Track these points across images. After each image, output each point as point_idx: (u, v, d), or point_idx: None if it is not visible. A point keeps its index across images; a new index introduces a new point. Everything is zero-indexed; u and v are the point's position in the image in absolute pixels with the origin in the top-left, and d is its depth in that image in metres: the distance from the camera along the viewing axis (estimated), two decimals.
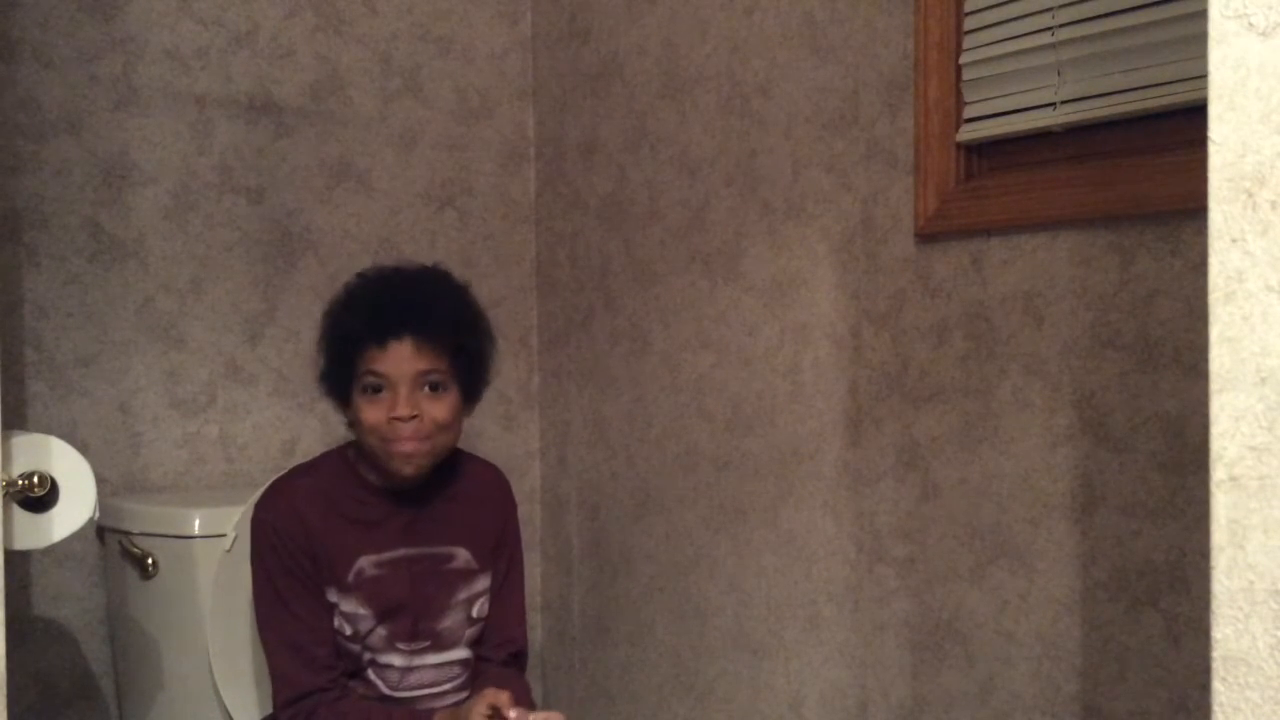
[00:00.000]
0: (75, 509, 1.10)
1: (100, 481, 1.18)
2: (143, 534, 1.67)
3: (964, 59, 1.48)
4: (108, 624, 1.79)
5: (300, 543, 1.44)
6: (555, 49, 2.17)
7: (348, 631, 1.45)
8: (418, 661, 1.49)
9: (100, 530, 1.74)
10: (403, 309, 1.42)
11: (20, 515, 1.07)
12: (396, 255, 2.06)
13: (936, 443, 1.53)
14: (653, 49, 1.95)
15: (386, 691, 1.48)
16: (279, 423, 1.95)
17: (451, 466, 1.54)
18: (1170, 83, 1.29)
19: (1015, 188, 1.44)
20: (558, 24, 2.16)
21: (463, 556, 1.53)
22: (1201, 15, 0.66)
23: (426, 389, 1.42)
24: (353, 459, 1.50)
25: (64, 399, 1.76)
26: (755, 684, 1.80)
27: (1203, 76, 0.66)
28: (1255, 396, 0.63)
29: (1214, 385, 0.65)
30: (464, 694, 1.51)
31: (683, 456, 1.91)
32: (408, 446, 1.42)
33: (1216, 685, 0.65)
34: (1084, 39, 1.36)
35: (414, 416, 1.41)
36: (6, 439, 1.06)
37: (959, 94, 1.50)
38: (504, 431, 2.19)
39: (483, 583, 1.54)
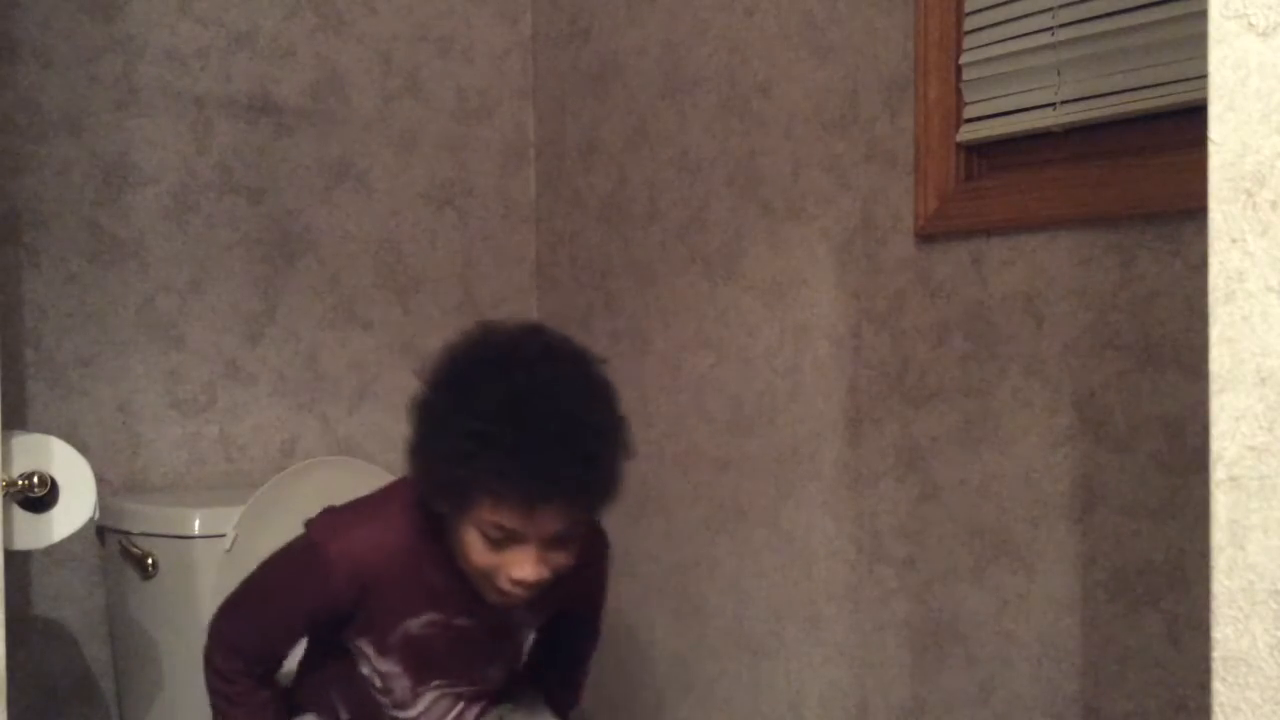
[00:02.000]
0: (75, 509, 1.10)
1: (100, 481, 1.18)
2: (143, 534, 1.67)
3: (964, 59, 1.48)
4: (108, 624, 1.79)
5: (343, 603, 1.26)
6: (555, 49, 2.17)
7: (377, 684, 1.32)
8: (446, 694, 1.36)
9: (100, 530, 1.74)
10: (562, 467, 1.12)
11: (20, 515, 1.07)
12: (396, 255, 2.06)
13: (936, 443, 1.53)
14: (653, 49, 1.95)
15: (391, 712, 1.35)
16: (279, 423, 1.95)
17: None
18: (1170, 83, 1.29)
19: (1015, 188, 1.44)
20: (558, 24, 2.16)
21: (529, 625, 1.38)
22: (1201, 15, 0.66)
23: (557, 538, 1.18)
24: (435, 533, 1.24)
25: (64, 399, 1.76)
26: (755, 684, 1.80)
27: (1203, 76, 0.66)
28: (1255, 396, 0.63)
29: (1214, 385, 0.65)
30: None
31: (683, 456, 1.91)
32: (515, 598, 1.21)
33: (1216, 685, 0.65)
34: (1084, 39, 1.36)
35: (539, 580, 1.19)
36: (6, 439, 1.06)
37: (959, 94, 1.49)
38: None
39: (531, 628, 1.39)
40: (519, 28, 2.21)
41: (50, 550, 1.73)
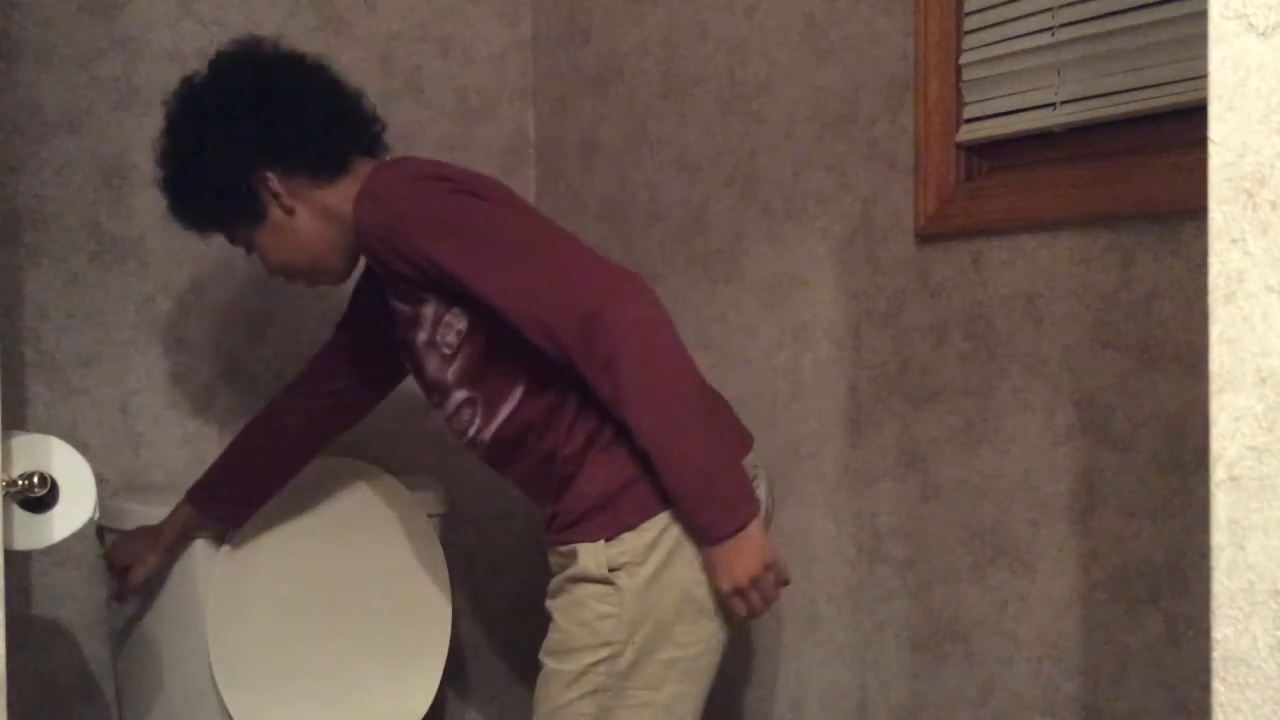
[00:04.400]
0: (75, 509, 1.10)
1: (100, 481, 1.18)
2: None
3: (964, 59, 1.48)
4: (108, 624, 1.79)
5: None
6: (555, 49, 2.17)
7: None
8: (449, 405, 1.42)
9: (100, 530, 1.74)
10: (162, 187, 1.53)
11: (20, 515, 1.06)
12: None
13: (936, 443, 1.53)
14: (653, 49, 1.95)
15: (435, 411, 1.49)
16: None
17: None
18: (1170, 83, 1.29)
19: (1015, 188, 1.44)
20: (558, 24, 2.16)
21: (402, 305, 1.41)
22: (1201, 15, 0.66)
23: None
24: None
25: (64, 399, 1.76)
26: (755, 684, 1.80)
27: (1203, 76, 0.66)
28: (1255, 396, 0.63)
29: (1214, 385, 0.65)
30: (490, 429, 1.40)
31: None
32: (289, 280, 1.53)
33: (1216, 685, 0.65)
34: (1084, 39, 1.36)
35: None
36: (6, 439, 1.06)
37: (959, 94, 1.49)
38: None
39: (427, 315, 1.38)
40: (519, 28, 2.21)
41: (50, 550, 1.73)
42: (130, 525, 1.67)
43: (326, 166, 1.42)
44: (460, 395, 1.40)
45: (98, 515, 1.16)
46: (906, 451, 1.57)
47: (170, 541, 1.62)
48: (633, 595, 1.29)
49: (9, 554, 1.03)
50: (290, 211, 1.43)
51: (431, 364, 1.40)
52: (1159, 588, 1.31)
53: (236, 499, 1.63)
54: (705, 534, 1.27)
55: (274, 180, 1.42)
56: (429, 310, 1.37)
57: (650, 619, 1.29)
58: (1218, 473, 0.65)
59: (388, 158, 1.48)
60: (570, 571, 1.33)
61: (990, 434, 1.47)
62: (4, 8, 1.71)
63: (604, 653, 1.29)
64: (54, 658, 1.78)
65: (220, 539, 1.65)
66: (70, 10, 1.77)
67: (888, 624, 1.60)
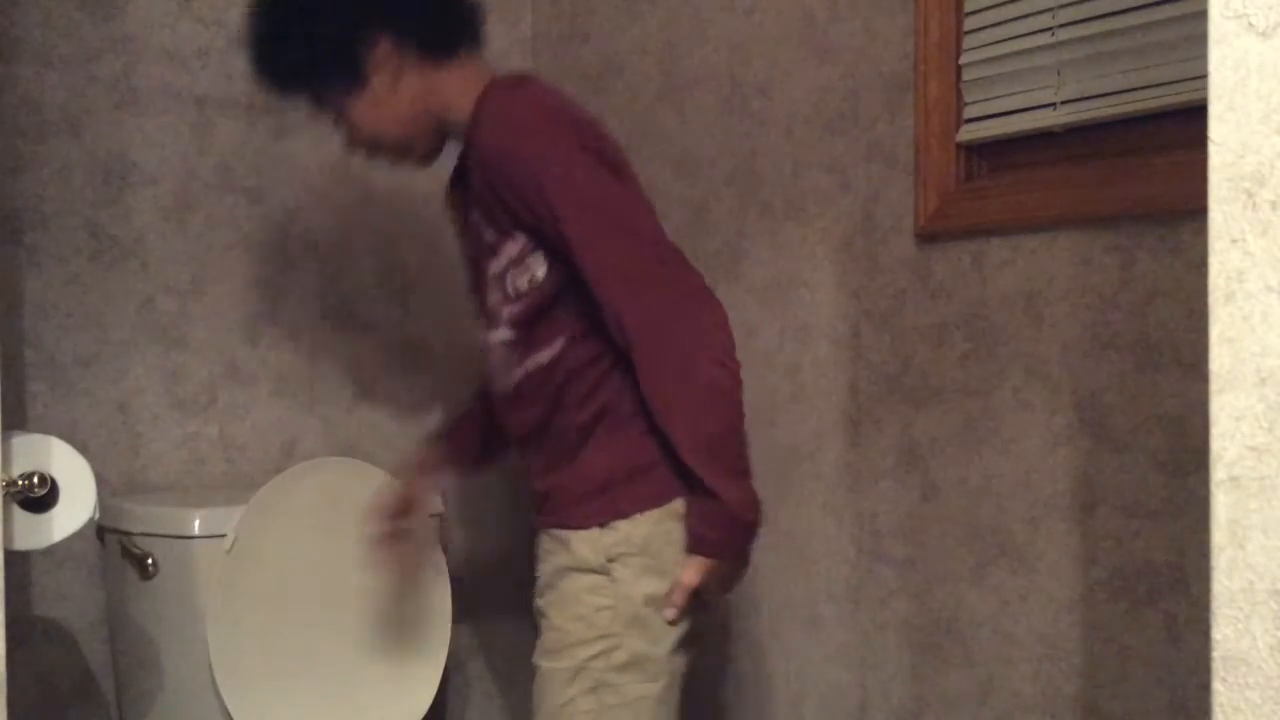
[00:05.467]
0: (75, 509, 1.10)
1: (100, 481, 1.18)
2: (143, 534, 1.66)
3: (964, 59, 1.48)
4: (108, 624, 1.79)
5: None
6: (555, 49, 2.17)
7: None
8: (491, 338, 1.41)
9: (100, 530, 1.74)
10: (249, 49, 1.42)
11: (20, 515, 1.06)
12: (397, 256, 2.06)
13: (936, 443, 1.53)
14: (653, 49, 1.95)
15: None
16: (279, 423, 1.95)
17: (468, 138, 1.38)
18: (1170, 83, 1.29)
19: (1015, 188, 1.44)
20: (558, 24, 2.16)
21: (487, 229, 1.37)
22: (1201, 15, 0.66)
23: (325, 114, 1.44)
24: None
25: (64, 399, 1.76)
26: (755, 684, 1.80)
27: (1203, 76, 0.66)
28: (1255, 396, 0.63)
29: (1214, 385, 0.65)
30: (519, 372, 1.37)
31: None
32: (375, 160, 1.47)
33: (1216, 685, 0.65)
34: (1084, 39, 1.36)
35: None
36: (6, 439, 1.06)
37: (959, 94, 1.50)
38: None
39: (509, 251, 1.34)
40: (519, 28, 2.21)
41: (50, 550, 1.73)
42: (130, 525, 1.67)
43: (441, 45, 1.37)
44: (506, 334, 1.38)
45: (98, 515, 1.16)
46: (906, 451, 1.57)
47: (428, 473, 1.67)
48: (627, 586, 1.29)
49: (9, 554, 1.03)
50: (395, 82, 1.36)
51: (494, 296, 1.38)
52: (1159, 588, 1.31)
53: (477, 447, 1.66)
54: (703, 546, 1.29)
55: (386, 45, 1.34)
56: (513, 247, 1.33)
57: (641, 610, 1.29)
58: (1218, 473, 0.65)
59: (494, 70, 1.43)
60: (563, 561, 1.33)
61: (990, 434, 1.47)
62: (4, 8, 1.71)
63: (600, 646, 1.28)
64: (54, 658, 1.78)
65: (220, 539, 1.65)
66: (70, 10, 1.77)
67: (888, 624, 1.60)
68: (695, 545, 1.28)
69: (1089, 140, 1.40)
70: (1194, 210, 1.25)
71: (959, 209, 1.49)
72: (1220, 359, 0.65)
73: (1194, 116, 1.27)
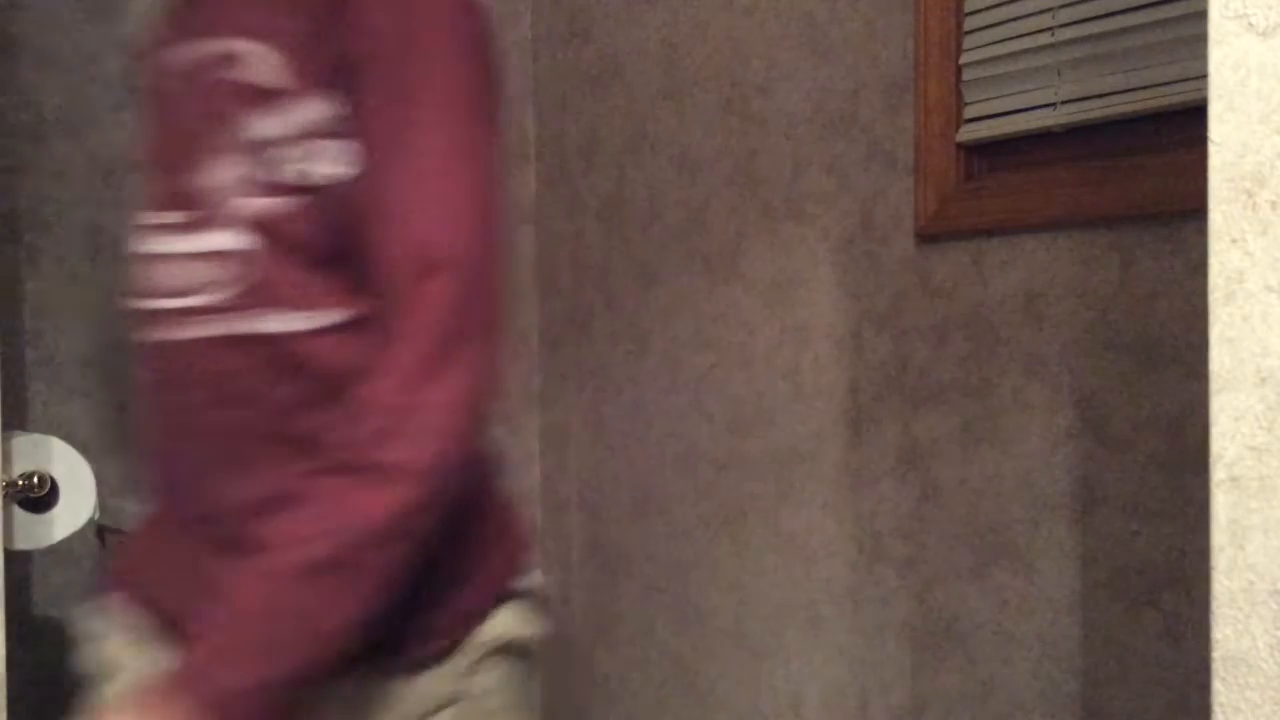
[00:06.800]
0: (75, 509, 1.10)
1: (100, 481, 1.18)
2: None
3: (964, 59, 1.48)
4: None
5: None
6: (555, 49, 2.17)
7: None
8: (162, 248, 0.87)
9: (100, 530, 1.74)
10: None
11: (20, 515, 1.07)
12: None
13: (936, 443, 1.53)
14: (653, 49, 1.95)
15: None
16: None
17: None
18: (1170, 83, 1.29)
19: (1015, 188, 1.44)
20: (558, 24, 2.16)
21: (251, 58, 0.83)
22: (1201, 15, 0.66)
23: None
24: None
25: (64, 399, 1.76)
26: (755, 684, 1.80)
27: (1203, 76, 0.66)
28: (1255, 396, 0.63)
29: (1214, 385, 0.65)
30: (223, 321, 0.85)
31: (683, 457, 1.91)
32: None
33: (1216, 685, 0.65)
34: (1084, 39, 1.36)
35: None
36: (6, 439, 1.06)
37: (959, 94, 1.49)
38: (504, 432, 2.19)
39: (298, 115, 0.82)
40: (519, 28, 2.21)
41: (50, 550, 1.73)
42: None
43: None
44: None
45: (98, 515, 1.16)
46: (906, 451, 1.57)
47: None
48: None
49: (9, 554, 1.03)
50: None
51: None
52: (1159, 588, 1.31)
53: None
54: (185, 680, 0.80)
55: None
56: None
57: None
58: (1218, 473, 0.65)
59: None
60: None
61: (990, 434, 1.47)
62: (4, 8, 1.71)
63: None
64: (54, 657, 1.78)
65: None
66: (70, 10, 1.77)
67: (888, 624, 1.60)
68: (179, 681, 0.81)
69: (1089, 140, 1.40)
70: (1194, 210, 1.25)
71: (959, 209, 1.49)
72: (1220, 359, 0.65)
73: (1194, 116, 1.27)
